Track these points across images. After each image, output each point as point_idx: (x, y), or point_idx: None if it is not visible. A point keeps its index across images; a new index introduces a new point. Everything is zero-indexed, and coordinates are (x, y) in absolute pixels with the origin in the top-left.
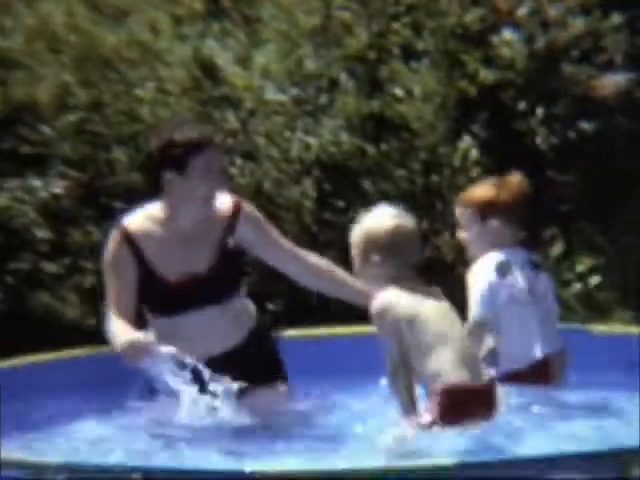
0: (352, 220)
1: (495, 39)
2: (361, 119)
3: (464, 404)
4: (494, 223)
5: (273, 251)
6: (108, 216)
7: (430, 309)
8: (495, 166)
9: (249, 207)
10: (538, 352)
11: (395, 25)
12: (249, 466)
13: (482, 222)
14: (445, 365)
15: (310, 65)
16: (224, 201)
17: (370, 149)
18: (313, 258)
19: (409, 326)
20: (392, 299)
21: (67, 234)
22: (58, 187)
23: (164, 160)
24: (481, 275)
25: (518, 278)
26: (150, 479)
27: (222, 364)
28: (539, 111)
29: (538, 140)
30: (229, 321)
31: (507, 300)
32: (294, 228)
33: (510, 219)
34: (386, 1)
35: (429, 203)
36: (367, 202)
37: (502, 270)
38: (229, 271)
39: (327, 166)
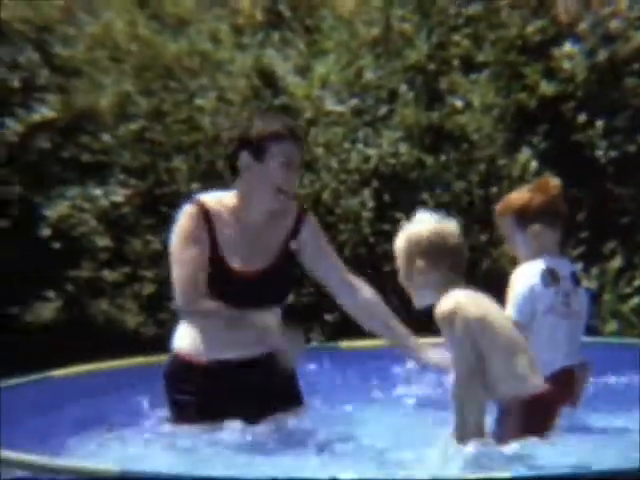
0: None
1: (556, 51)
2: (420, 130)
3: (549, 414)
4: (535, 227)
5: (328, 266)
6: (167, 225)
7: (495, 310)
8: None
9: (313, 217)
10: (560, 362)
11: (455, 37)
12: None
13: (522, 228)
14: (526, 370)
15: (370, 76)
16: (292, 205)
17: (429, 160)
18: (365, 292)
19: (481, 326)
20: (459, 299)
21: (127, 242)
22: (118, 195)
23: (243, 143)
24: (525, 279)
25: (560, 289)
26: None
27: (255, 367)
28: (599, 123)
29: (598, 153)
30: (273, 326)
31: (545, 309)
32: (352, 238)
33: (549, 222)
34: (447, 13)
35: (488, 215)
36: None
37: (546, 278)
38: (286, 273)
39: (386, 177)
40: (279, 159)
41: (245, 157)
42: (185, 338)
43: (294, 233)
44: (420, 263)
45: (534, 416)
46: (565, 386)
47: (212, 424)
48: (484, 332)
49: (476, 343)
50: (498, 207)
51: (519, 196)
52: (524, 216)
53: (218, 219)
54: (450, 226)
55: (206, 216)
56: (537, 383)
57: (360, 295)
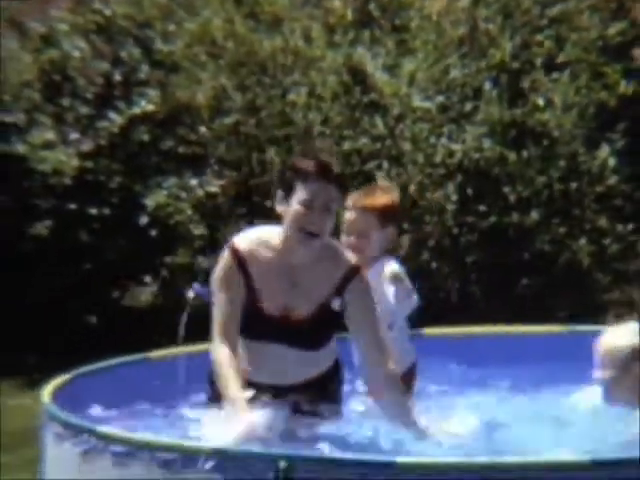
0: (492, 224)
1: (636, 52)
2: (503, 127)
3: None
4: (392, 229)
5: (361, 335)
6: (260, 214)
7: None
8: (632, 174)
9: (364, 277)
10: (413, 356)
11: (538, 37)
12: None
13: (382, 228)
14: None
15: (455, 74)
16: (344, 259)
17: (511, 156)
18: (382, 373)
19: None
20: None
21: (220, 231)
22: (213, 186)
23: (279, 182)
24: (393, 284)
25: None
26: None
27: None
28: None
29: None
30: (307, 362)
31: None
32: (436, 230)
33: (398, 227)
34: (530, 14)
35: (567, 209)
36: (507, 207)
37: (406, 280)
38: (324, 328)
39: (470, 171)
40: (299, 200)
41: (279, 196)
42: None
43: (339, 290)
44: (610, 373)
45: None
46: (410, 380)
47: None
48: None
49: None
50: (360, 202)
51: (384, 197)
52: (387, 217)
53: (253, 261)
54: None
55: (240, 260)
56: None
57: (377, 374)
